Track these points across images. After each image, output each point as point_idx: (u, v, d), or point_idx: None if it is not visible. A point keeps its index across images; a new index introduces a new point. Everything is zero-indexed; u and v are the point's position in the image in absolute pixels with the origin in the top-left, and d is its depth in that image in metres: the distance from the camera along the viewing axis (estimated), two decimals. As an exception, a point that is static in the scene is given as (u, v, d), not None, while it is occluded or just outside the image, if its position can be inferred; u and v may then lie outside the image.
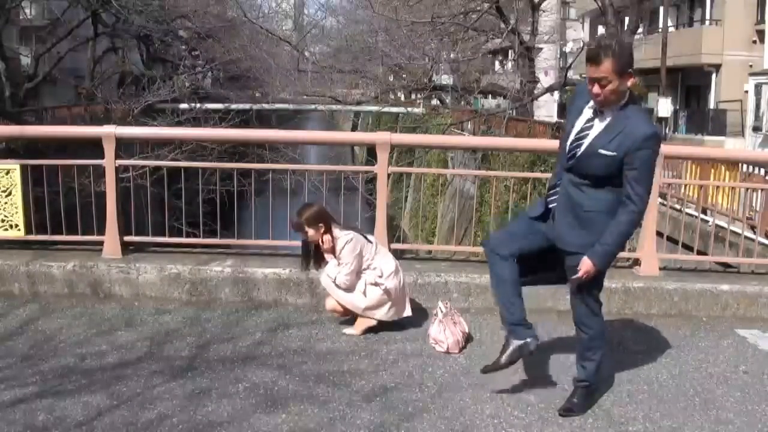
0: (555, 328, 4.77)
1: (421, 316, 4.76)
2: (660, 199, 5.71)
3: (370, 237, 4.64)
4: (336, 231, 4.50)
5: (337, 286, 4.49)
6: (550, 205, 3.49)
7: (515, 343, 3.54)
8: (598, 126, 3.31)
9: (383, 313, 4.52)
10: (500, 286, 3.58)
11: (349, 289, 4.48)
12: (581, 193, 3.34)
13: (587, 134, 3.32)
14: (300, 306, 5.08)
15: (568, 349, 4.40)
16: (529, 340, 3.54)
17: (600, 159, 3.25)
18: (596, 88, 3.21)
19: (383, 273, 4.49)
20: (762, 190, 7.23)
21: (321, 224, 4.48)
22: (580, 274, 3.32)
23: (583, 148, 3.31)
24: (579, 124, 3.36)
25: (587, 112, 3.36)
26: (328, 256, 4.58)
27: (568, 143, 3.38)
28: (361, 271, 4.49)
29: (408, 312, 4.63)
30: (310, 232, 4.49)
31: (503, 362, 3.56)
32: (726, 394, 3.87)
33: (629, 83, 3.24)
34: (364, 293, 4.48)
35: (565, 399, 3.67)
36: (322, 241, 4.52)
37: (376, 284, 4.47)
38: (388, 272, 4.51)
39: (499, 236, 3.71)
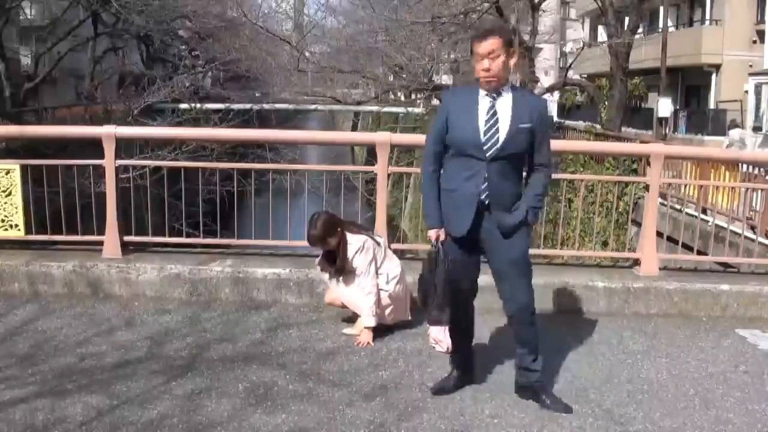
0: (554, 329, 4.77)
1: (421, 315, 4.75)
2: (660, 199, 5.71)
3: (378, 237, 4.64)
4: (348, 236, 4.46)
5: (367, 296, 4.41)
6: (486, 201, 3.47)
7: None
8: (505, 107, 3.42)
9: (384, 317, 4.52)
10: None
11: (370, 292, 4.41)
12: (508, 182, 3.47)
13: (498, 118, 3.41)
14: (300, 306, 5.08)
15: (567, 349, 4.41)
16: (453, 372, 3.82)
17: (522, 134, 3.40)
18: (487, 63, 3.36)
19: (389, 278, 4.49)
20: (762, 190, 7.23)
21: (339, 228, 4.44)
22: (521, 245, 3.52)
23: (505, 131, 3.39)
24: (482, 117, 3.42)
25: (484, 103, 3.44)
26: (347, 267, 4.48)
27: (482, 137, 3.39)
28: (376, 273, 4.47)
29: (407, 317, 4.64)
30: (332, 242, 4.42)
31: (449, 387, 3.77)
32: (726, 394, 3.88)
33: (513, 62, 3.42)
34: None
35: (564, 399, 3.68)
36: (338, 249, 4.44)
37: (380, 290, 4.47)
38: (393, 277, 4.52)
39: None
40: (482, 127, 3.40)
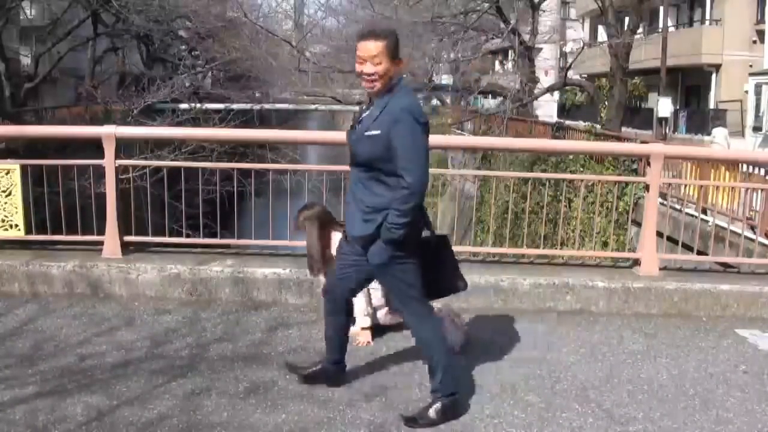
0: (555, 328, 4.77)
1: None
2: (660, 199, 5.71)
3: None
4: (336, 236, 4.43)
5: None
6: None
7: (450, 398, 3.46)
8: (367, 113, 3.31)
9: (380, 317, 4.52)
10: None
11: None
12: (363, 188, 3.30)
13: (359, 125, 3.32)
14: (300, 306, 5.08)
15: (567, 349, 4.41)
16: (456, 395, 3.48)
17: (366, 141, 3.23)
18: (368, 67, 3.19)
19: None
20: (762, 190, 7.23)
21: (326, 228, 4.45)
22: (374, 260, 3.30)
23: (355, 138, 3.31)
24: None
25: (360, 110, 3.40)
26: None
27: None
28: None
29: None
30: (312, 231, 4.45)
31: (437, 419, 3.40)
32: (726, 394, 3.88)
33: (397, 69, 3.23)
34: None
35: (564, 400, 3.68)
36: (326, 242, 4.47)
37: (371, 289, 4.45)
38: None
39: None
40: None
